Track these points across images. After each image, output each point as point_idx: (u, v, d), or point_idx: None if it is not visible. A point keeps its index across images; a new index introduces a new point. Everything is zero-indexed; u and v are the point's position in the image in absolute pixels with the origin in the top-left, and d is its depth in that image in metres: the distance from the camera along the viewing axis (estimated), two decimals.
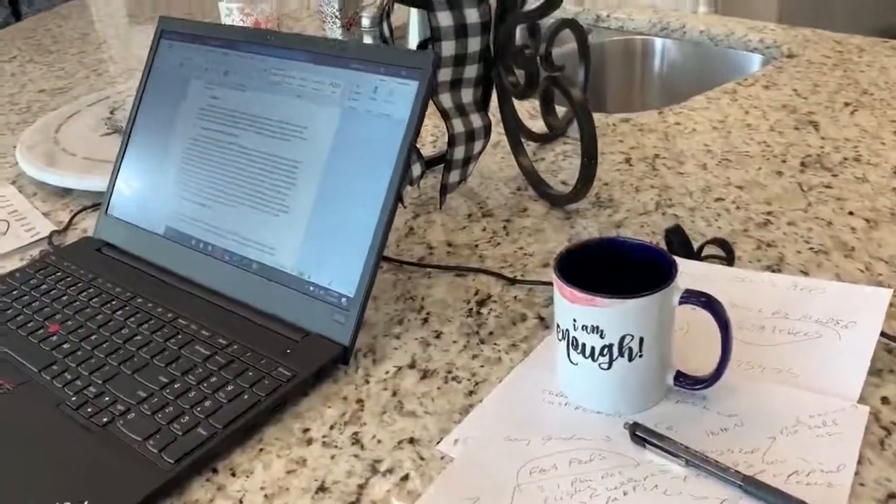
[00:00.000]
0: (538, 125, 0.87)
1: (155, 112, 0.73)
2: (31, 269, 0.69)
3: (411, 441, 0.48)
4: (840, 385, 0.49)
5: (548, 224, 0.73)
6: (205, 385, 0.52)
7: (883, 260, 0.63)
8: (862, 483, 0.42)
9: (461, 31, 0.70)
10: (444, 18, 0.69)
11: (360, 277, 0.56)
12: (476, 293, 0.63)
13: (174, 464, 0.46)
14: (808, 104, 0.94)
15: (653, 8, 1.37)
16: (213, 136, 0.67)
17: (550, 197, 0.76)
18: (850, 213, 0.70)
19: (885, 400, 0.48)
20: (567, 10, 1.37)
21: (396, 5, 0.73)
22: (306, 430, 0.50)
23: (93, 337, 0.59)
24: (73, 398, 0.52)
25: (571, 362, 0.48)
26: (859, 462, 0.43)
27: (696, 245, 0.63)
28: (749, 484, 0.41)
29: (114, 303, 0.63)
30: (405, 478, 0.46)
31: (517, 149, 0.80)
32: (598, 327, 0.46)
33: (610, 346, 0.46)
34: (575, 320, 0.46)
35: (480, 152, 0.76)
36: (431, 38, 0.70)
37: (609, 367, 0.47)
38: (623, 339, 0.46)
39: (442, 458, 0.47)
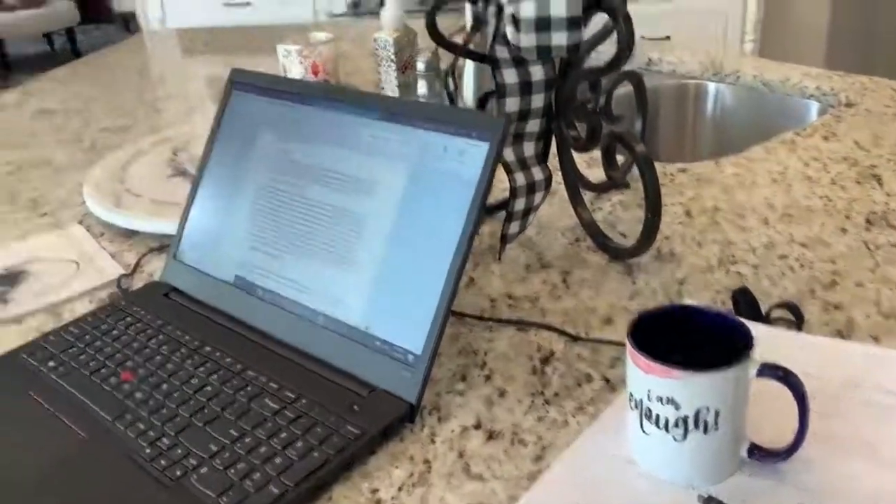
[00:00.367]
0: (595, 174, 0.87)
1: (225, 161, 0.74)
2: (101, 313, 0.71)
3: None
4: None
5: (608, 277, 0.73)
6: (275, 440, 0.53)
7: None
8: None
9: (525, 88, 0.71)
10: (510, 76, 0.70)
11: (427, 335, 0.56)
12: (539, 349, 0.63)
13: None
14: (870, 157, 0.93)
15: (705, 50, 1.37)
16: (282, 188, 0.69)
17: (610, 249, 0.76)
18: None
19: None
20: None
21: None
22: (375, 491, 0.50)
23: (164, 386, 0.60)
24: (147, 450, 0.53)
25: (644, 432, 0.48)
26: None
27: (763, 307, 0.62)
28: None
29: (183, 351, 0.64)
30: None
31: (576, 199, 0.80)
32: (673, 399, 0.46)
33: (685, 419, 0.46)
34: (649, 391, 0.46)
35: (540, 204, 0.77)
36: (496, 94, 0.71)
37: (683, 439, 0.46)
38: (698, 411, 0.45)
39: None
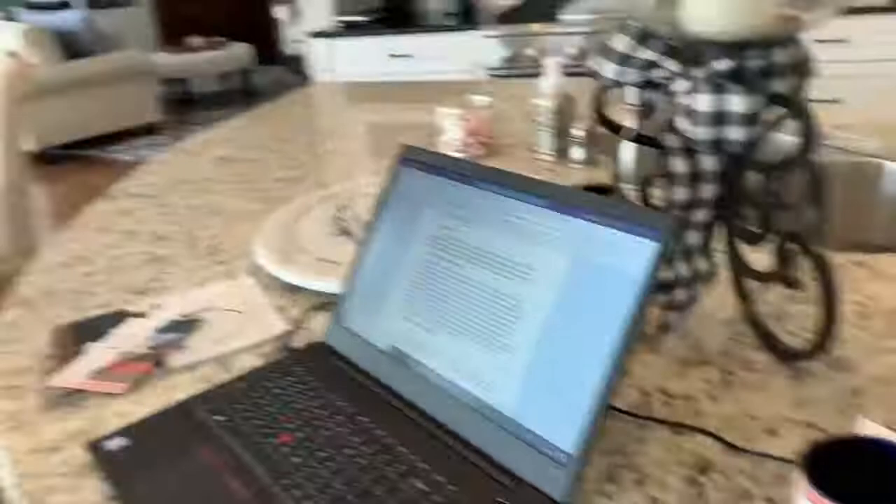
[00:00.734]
0: (761, 258, 0.83)
1: (389, 231, 0.77)
2: (266, 369, 0.75)
3: None
4: None
5: (773, 381, 0.69)
6: None
7: None
8: None
9: (695, 177, 0.69)
10: (679, 165, 0.69)
11: (580, 434, 0.56)
12: (695, 457, 0.60)
13: None
14: None
15: (886, 124, 1.28)
16: (442, 264, 0.70)
17: (777, 350, 0.72)
18: None
19: None
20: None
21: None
22: None
23: (320, 452, 0.62)
24: None
25: None
26: None
27: None
28: None
29: (339, 417, 0.66)
30: None
31: (741, 292, 0.77)
32: None
33: None
34: None
35: (702, 295, 0.74)
36: (664, 181, 0.70)
37: None
38: None
39: None
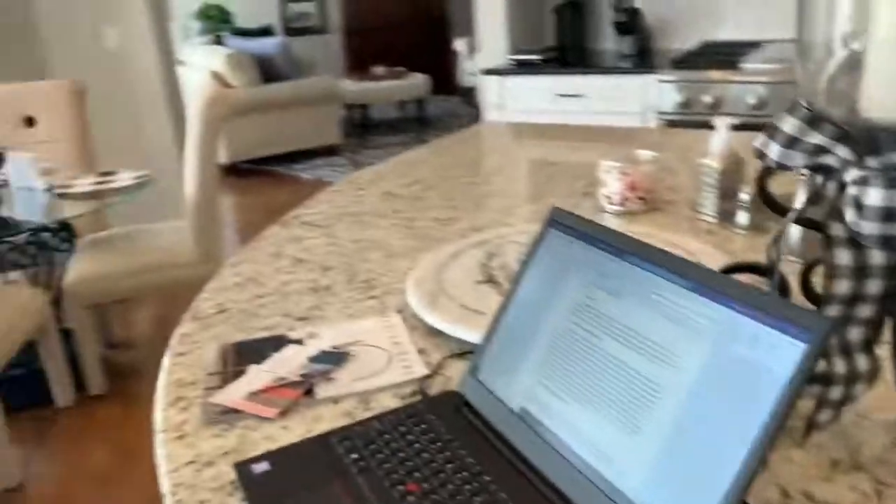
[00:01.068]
0: None
1: (533, 291, 0.79)
2: (402, 413, 0.78)
3: None
4: None
5: None
6: None
7: None
8: None
9: (860, 272, 0.65)
10: (844, 257, 0.65)
11: None
12: None
13: None
14: None
15: None
16: (580, 333, 0.70)
17: None
18: None
19: None
20: None
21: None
22: None
23: None
24: None
25: None
26: None
27: None
28: None
29: (464, 474, 0.68)
30: None
31: None
32: None
33: None
34: None
35: (860, 396, 0.69)
36: (826, 272, 0.66)
37: None
38: None
39: None
